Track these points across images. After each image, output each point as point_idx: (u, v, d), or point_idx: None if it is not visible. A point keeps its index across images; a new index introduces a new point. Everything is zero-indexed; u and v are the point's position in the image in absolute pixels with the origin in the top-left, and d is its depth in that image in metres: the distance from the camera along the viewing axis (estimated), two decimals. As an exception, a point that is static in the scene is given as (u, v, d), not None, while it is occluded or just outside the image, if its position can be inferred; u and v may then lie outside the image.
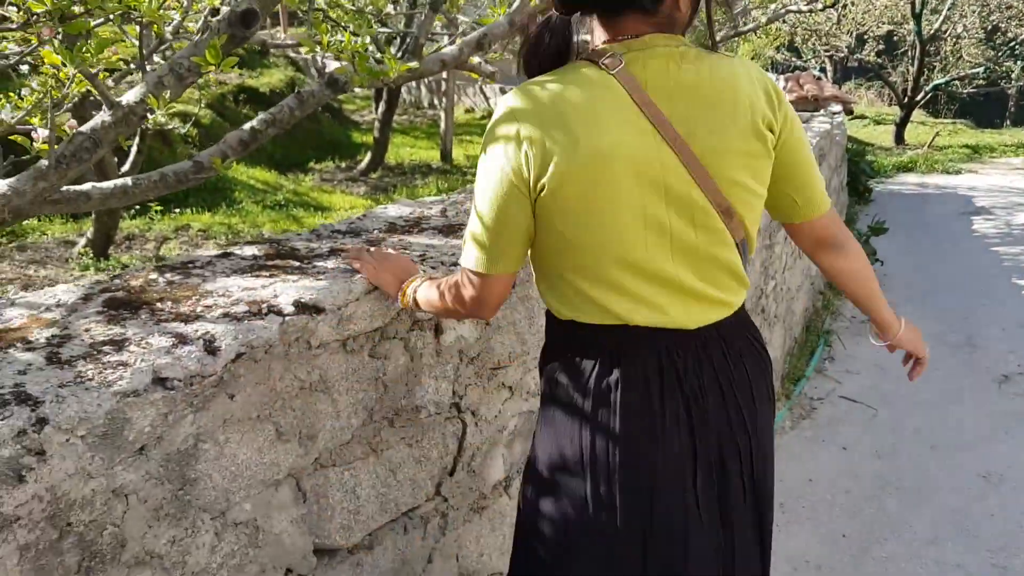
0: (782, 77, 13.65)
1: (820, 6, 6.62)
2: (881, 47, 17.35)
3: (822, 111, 6.69)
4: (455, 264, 1.70)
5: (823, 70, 18.49)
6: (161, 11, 1.71)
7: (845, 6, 15.77)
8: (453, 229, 2.01)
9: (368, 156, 10.17)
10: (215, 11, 1.78)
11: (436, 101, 17.03)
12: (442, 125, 11.40)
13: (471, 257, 1.30)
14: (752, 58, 13.77)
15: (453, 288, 1.36)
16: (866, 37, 17.08)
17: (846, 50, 17.49)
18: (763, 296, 3.62)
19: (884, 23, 16.53)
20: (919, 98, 15.96)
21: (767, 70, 15.38)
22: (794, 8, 6.97)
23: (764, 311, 3.67)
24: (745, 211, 1.30)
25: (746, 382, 1.37)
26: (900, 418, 3.80)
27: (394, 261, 1.57)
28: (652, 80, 1.22)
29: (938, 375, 4.26)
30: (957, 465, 3.39)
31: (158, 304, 1.38)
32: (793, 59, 17.94)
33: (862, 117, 18.18)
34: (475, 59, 2.57)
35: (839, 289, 1.63)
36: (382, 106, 10.12)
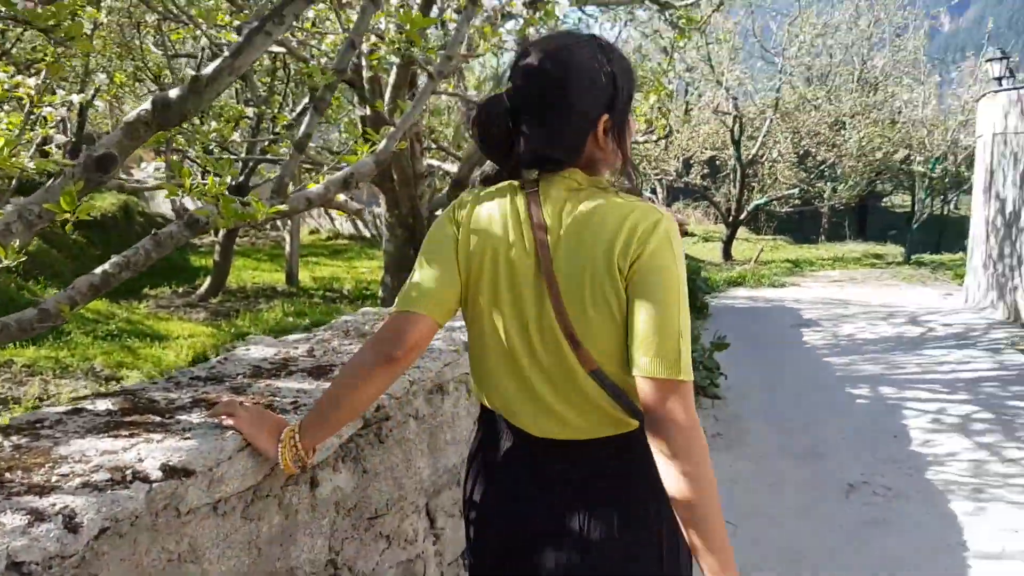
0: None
1: (655, 137, 7.06)
2: (706, 170, 18.72)
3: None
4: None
5: (654, 191, 19.68)
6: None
7: (672, 134, 16.97)
8: (323, 371, 1.94)
9: (208, 280, 9.85)
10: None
11: (279, 222, 16.83)
12: (287, 247, 11.24)
13: (396, 301, 1.46)
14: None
15: (372, 338, 1.47)
16: (692, 162, 18.40)
17: (674, 173, 18.75)
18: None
19: (707, 149, 17.89)
20: (742, 216, 17.19)
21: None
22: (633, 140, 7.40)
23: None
24: (590, 343, 1.37)
25: (582, 509, 1.43)
26: (760, 532, 3.90)
27: (268, 417, 1.50)
28: (550, 207, 1.41)
29: (789, 488, 4.42)
30: (816, 576, 3.49)
31: (7, 474, 1.25)
32: (625, 181, 18.99)
33: (691, 235, 19.35)
34: (341, 196, 2.56)
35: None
36: (223, 230, 9.90)
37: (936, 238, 18.95)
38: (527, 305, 1.41)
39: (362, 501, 1.77)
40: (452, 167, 7.88)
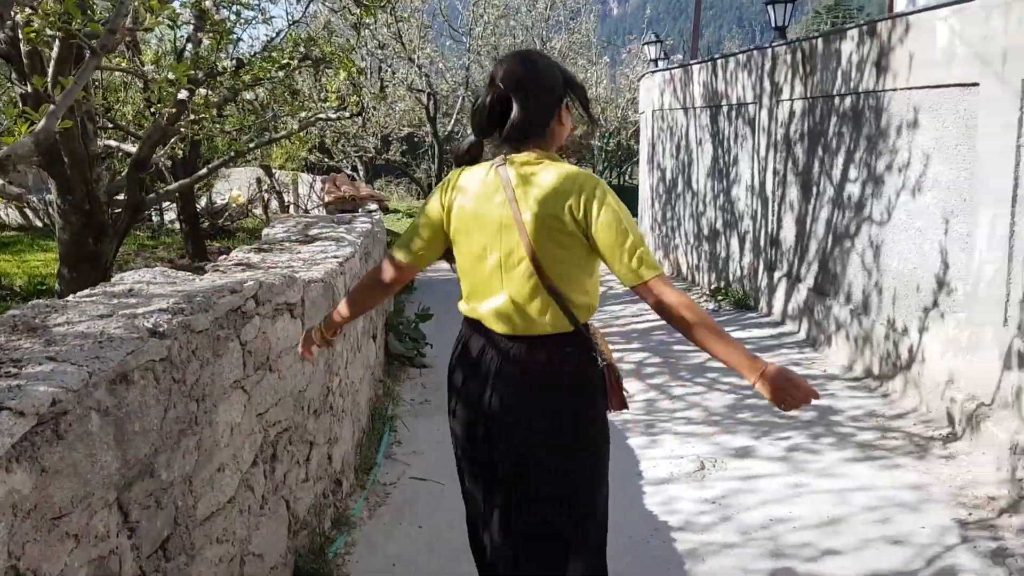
0: (319, 178, 14.22)
1: (348, 114, 7.08)
2: (405, 147, 19.00)
3: (361, 210, 7.12)
4: None
5: (355, 169, 19.65)
6: None
7: (365, 110, 17.02)
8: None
9: None
10: None
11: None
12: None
13: (395, 246, 2.31)
14: (287, 160, 14.15)
15: (375, 268, 2.40)
16: (390, 139, 18.59)
17: (374, 151, 18.84)
18: (330, 393, 3.74)
19: (405, 126, 18.16)
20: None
21: (303, 172, 15.91)
22: (323, 116, 7.38)
23: (332, 408, 3.78)
24: (548, 263, 2.05)
25: (531, 390, 2.14)
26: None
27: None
28: (517, 174, 2.09)
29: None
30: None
31: None
32: (326, 160, 18.81)
33: (395, 211, 19.60)
34: (-7, 180, 2.36)
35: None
36: None
37: (615, 206, 20.72)
38: (504, 243, 2.08)
39: (43, 501, 1.68)
40: (132, 148, 7.35)
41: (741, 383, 5.71)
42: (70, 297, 2.56)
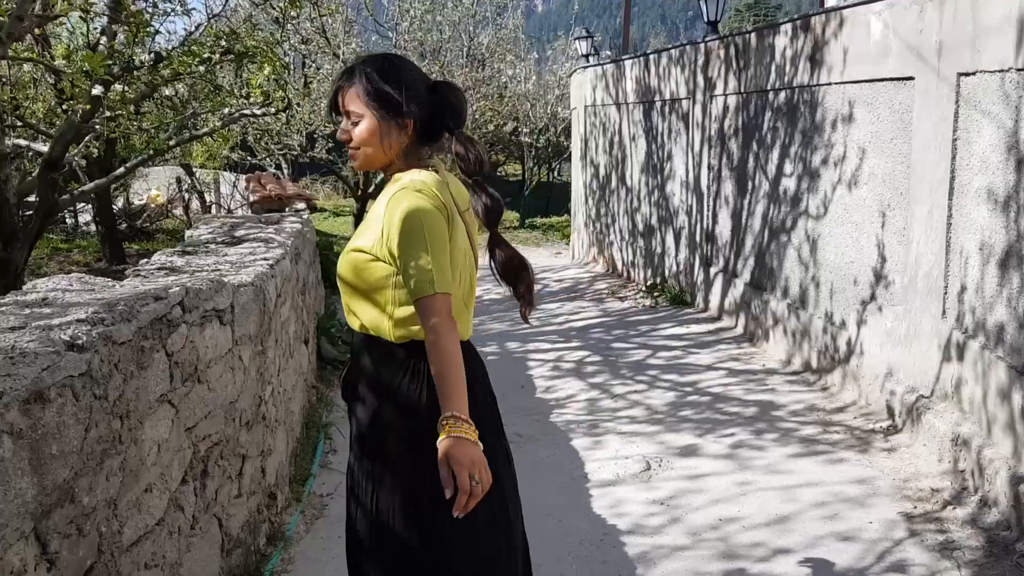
0: (243, 177, 13.81)
1: (273, 110, 6.84)
2: (331, 144, 18.60)
3: (288, 209, 6.88)
4: None
5: (280, 167, 19.17)
6: None
7: (291, 107, 16.59)
8: None
9: None
10: None
11: None
12: None
13: (436, 283, 1.85)
14: (208, 159, 13.72)
15: (448, 322, 1.85)
16: (316, 136, 18.18)
17: (299, 148, 18.40)
18: (263, 403, 3.55)
19: (330, 123, 17.76)
20: (371, 190, 17.39)
21: (224, 170, 15.45)
22: (248, 112, 7.11)
23: (265, 418, 3.59)
24: None
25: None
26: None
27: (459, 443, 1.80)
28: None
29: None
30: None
31: None
32: (249, 158, 18.32)
33: (322, 210, 19.21)
34: None
35: None
36: None
37: (545, 203, 20.70)
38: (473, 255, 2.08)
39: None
40: (44, 147, 6.97)
41: (681, 380, 5.68)
42: (-25, 308, 2.34)
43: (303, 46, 15.73)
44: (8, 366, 1.83)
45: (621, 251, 9.66)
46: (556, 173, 24.80)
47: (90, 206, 12.82)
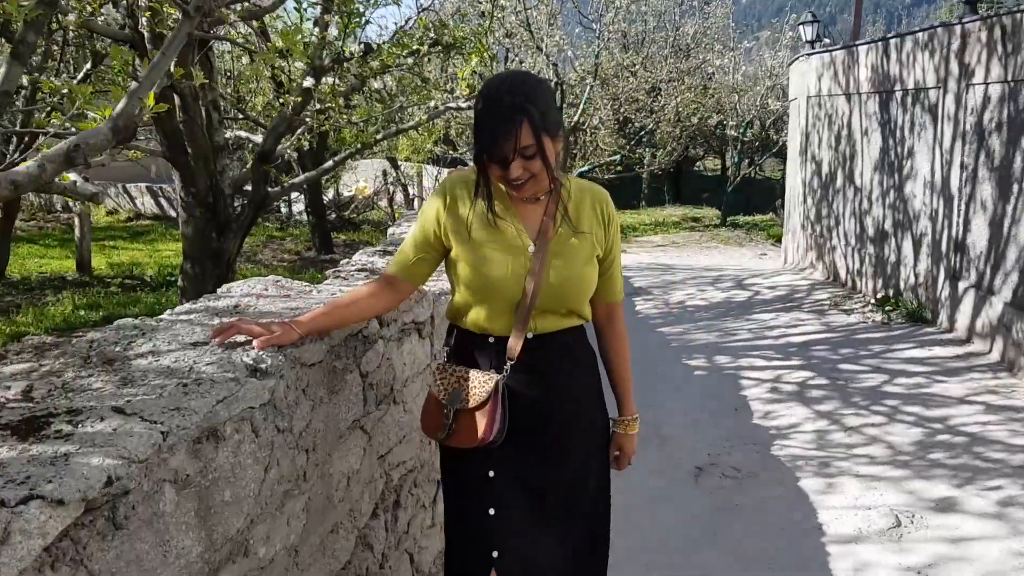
0: (445, 171, 13.91)
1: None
2: (529, 139, 18.44)
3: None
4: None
5: (480, 161, 19.27)
6: None
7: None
8: (35, 427, 1.35)
9: (-21, 273, 8.58)
10: None
11: (70, 203, 15.28)
12: (77, 231, 10.03)
13: None
14: (413, 152, 13.90)
15: None
16: (516, 130, 18.07)
17: (499, 142, 18.38)
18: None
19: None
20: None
21: (427, 163, 15.67)
22: (453, 106, 6.92)
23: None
24: None
25: None
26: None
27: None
28: None
29: (636, 475, 4.14)
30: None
31: None
32: (450, 152, 18.55)
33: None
34: (72, 176, 1.92)
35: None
36: (-3, 213, 8.65)
37: (746, 200, 19.65)
38: None
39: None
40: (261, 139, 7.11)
41: (928, 414, 4.90)
42: (166, 314, 2.13)
43: (507, 39, 15.68)
44: (180, 397, 1.56)
45: (845, 257, 8.74)
46: (758, 169, 23.55)
47: (303, 196, 13.31)
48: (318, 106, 6.39)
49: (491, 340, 1.98)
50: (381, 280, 2.05)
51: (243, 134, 7.91)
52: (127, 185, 17.35)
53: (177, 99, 5.76)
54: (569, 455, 2.05)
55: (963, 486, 3.94)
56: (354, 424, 2.23)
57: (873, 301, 7.72)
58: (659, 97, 17.57)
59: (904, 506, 3.75)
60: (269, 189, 7.03)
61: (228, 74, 10.11)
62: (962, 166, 6.30)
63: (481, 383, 1.94)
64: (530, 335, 1.97)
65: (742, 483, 4.05)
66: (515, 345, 1.94)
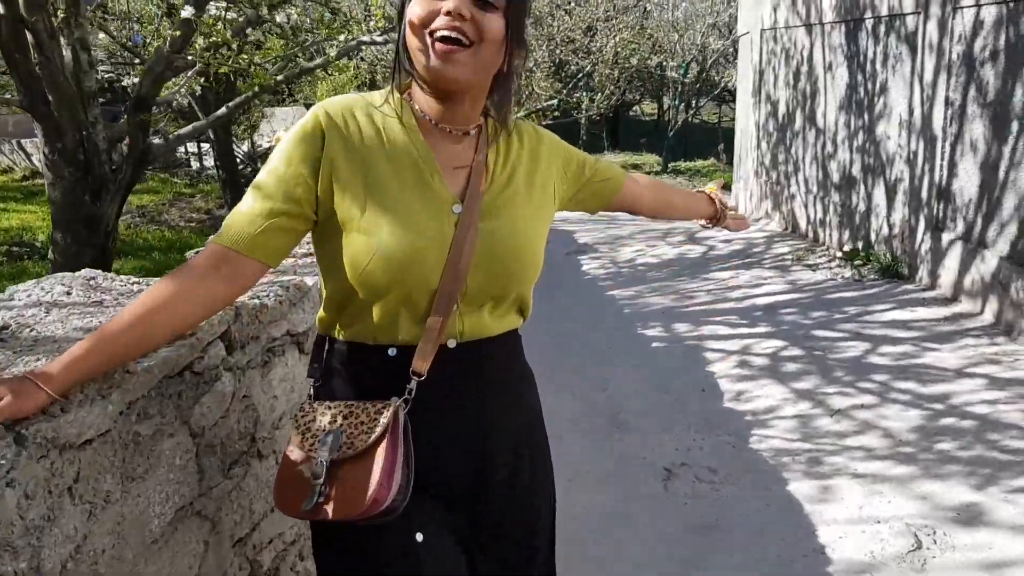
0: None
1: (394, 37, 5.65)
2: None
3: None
4: None
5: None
6: None
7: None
8: None
9: None
10: None
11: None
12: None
13: None
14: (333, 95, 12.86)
15: None
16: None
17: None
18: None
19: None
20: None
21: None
22: (366, 39, 5.98)
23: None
24: None
25: None
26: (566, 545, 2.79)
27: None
28: None
29: (592, 477, 3.39)
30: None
31: None
32: (378, 98, 17.42)
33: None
34: None
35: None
36: None
37: (685, 145, 18.98)
38: None
39: None
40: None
41: (924, 391, 4.23)
42: None
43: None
44: None
45: (806, 207, 8.04)
46: (696, 113, 22.89)
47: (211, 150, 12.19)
48: (201, 42, 5.40)
49: (392, 353, 1.29)
50: (207, 260, 1.23)
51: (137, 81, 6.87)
52: (22, 141, 15.92)
53: (31, 37, 4.76)
54: (522, 515, 1.46)
55: (984, 487, 3.27)
56: (182, 513, 1.40)
57: (840, 254, 7.04)
58: (595, 37, 16.66)
59: (921, 518, 3.05)
60: (154, 142, 6.04)
61: (100, 6, 8.82)
62: (947, 102, 5.59)
63: (371, 416, 1.24)
64: (452, 343, 1.30)
65: (720, 490, 3.32)
66: (426, 353, 1.26)
